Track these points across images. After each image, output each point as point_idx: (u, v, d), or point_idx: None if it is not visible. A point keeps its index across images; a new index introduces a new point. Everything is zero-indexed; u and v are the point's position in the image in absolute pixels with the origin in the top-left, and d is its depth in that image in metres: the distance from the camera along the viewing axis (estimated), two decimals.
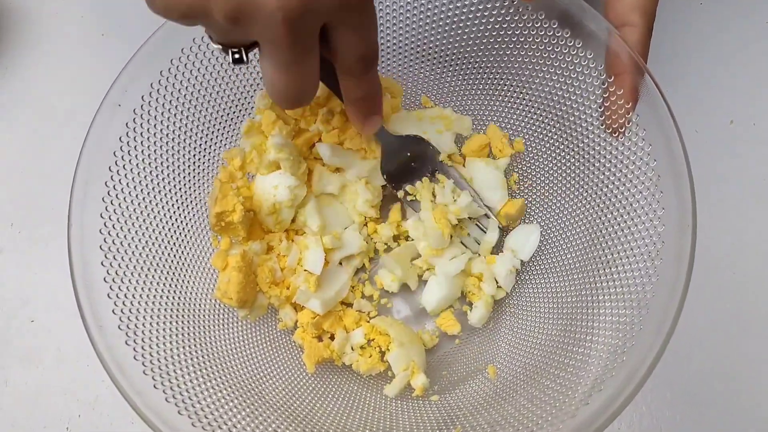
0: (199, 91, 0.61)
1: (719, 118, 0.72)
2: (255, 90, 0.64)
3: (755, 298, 0.66)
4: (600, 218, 0.58)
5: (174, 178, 0.60)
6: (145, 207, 0.58)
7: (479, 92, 0.67)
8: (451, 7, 0.61)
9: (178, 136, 0.60)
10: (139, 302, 0.54)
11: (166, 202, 0.60)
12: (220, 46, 0.44)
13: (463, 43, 0.63)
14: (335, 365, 0.64)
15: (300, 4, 0.38)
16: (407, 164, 0.66)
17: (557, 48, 0.58)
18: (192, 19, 0.40)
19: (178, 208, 0.61)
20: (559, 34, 0.57)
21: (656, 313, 0.48)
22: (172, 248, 0.59)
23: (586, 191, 0.60)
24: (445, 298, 0.64)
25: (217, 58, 0.60)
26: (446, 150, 0.67)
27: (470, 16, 0.61)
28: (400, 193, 0.66)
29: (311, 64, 0.44)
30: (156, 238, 0.58)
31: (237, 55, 0.44)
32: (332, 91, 0.55)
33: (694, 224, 0.49)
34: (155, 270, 0.57)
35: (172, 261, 0.59)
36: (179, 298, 0.58)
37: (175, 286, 0.58)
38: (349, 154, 0.66)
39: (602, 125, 0.57)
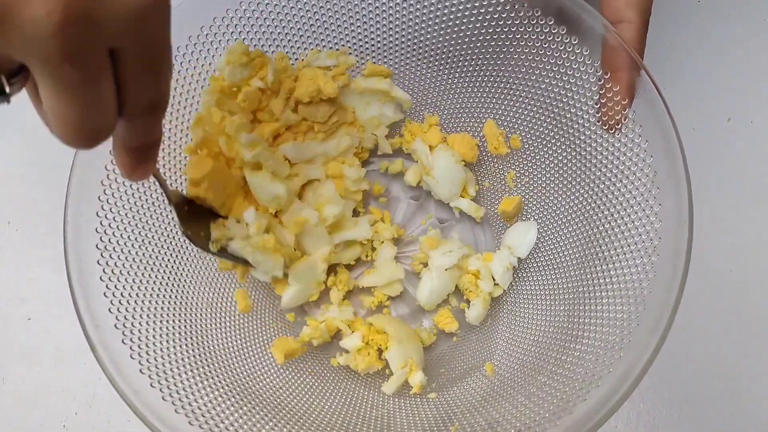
0: (195, 89, 0.61)
1: (717, 115, 0.72)
2: None
3: (753, 296, 0.66)
4: (596, 215, 0.58)
5: (171, 177, 0.60)
6: (142, 205, 0.58)
7: (475, 89, 0.67)
8: (446, 3, 0.61)
9: (175, 134, 0.60)
10: (135, 301, 0.54)
11: (163, 201, 0.59)
12: None
13: (458, 40, 0.63)
14: (331, 364, 0.64)
15: (80, 10, 0.29)
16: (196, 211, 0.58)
17: (553, 45, 0.58)
18: None
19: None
20: (555, 30, 0.57)
21: (653, 310, 0.48)
22: (168, 247, 0.59)
23: (583, 188, 0.60)
24: (438, 292, 0.64)
25: (213, 57, 0.60)
26: (390, 116, 0.68)
27: (466, 13, 0.61)
28: None
29: (103, 87, 0.34)
30: (152, 237, 0.58)
31: None
32: None
33: (690, 220, 0.49)
34: (151, 269, 0.57)
35: (168, 260, 0.59)
36: (176, 296, 0.58)
37: (172, 284, 0.58)
38: (310, 145, 0.65)
39: (599, 122, 0.57)
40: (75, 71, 0.31)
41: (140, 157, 0.43)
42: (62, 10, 0.29)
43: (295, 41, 0.64)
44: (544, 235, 0.64)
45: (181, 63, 0.59)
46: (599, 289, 0.55)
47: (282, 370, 0.61)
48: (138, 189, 0.57)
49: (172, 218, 0.57)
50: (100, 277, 0.52)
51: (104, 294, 0.52)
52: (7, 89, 0.33)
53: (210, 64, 0.60)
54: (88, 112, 0.34)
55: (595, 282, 0.56)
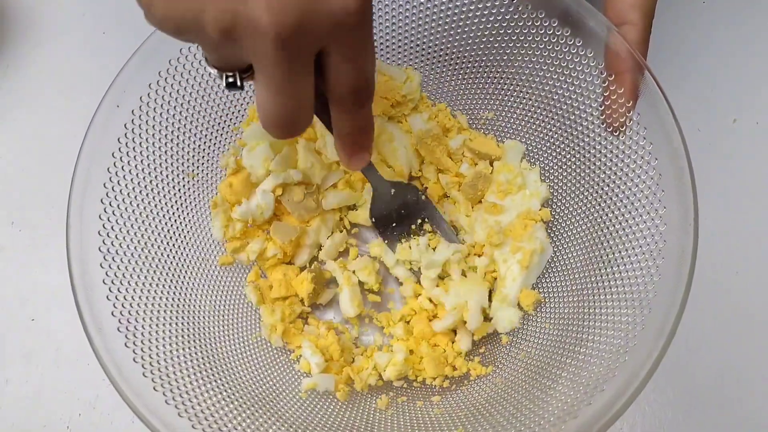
0: (197, 91, 0.61)
1: (722, 116, 0.72)
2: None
3: (759, 297, 0.66)
4: (601, 217, 0.58)
5: (173, 179, 0.60)
6: (144, 208, 0.58)
7: (478, 91, 0.67)
8: (450, 5, 0.61)
9: (177, 137, 0.60)
10: (138, 304, 0.54)
11: (165, 203, 0.59)
12: (216, 70, 0.42)
13: (462, 42, 0.63)
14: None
15: (294, 21, 0.36)
16: (396, 211, 0.65)
17: (557, 46, 0.57)
18: (185, 34, 0.39)
19: (178, 209, 0.61)
20: (559, 32, 0.57)
21: (658, 313, 0.48)
22: (171, 249, 0.59)
23: (587, 190, 0.59)
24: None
25: None
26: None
27: (469, 15, 0.61)
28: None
29: (304, 87, 0.41)
30: (155, 240, 0.58)
31: (231, 79, 0.42)
32: (325, 125, 0.52)
33: (696, 223, 0.48)
34: (154, 272, 0.57)
35: (171, 262, 0.59)
36: (178, 299, 0.58)
37: (175, 287, 0.58)
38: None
39: (603, 124, 0.56)
40: (285, 71, 0.38)
41: (356, 144, 0.49)
42: (278, 24, 0.36)
43: None
44: (548, 237, 0.64)
45: (184, 65, 0.59)
46: (604, 292, 0.55)
47: (285, 375, 0.61)
48: (140, 192, 0.57)
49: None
50: (103, 281, 0.52)
51: (107, 297, 0.52)
52: (239, 83, 0.42)
53: None
54: (290, 106, 0.41)
55: (599, 285, 0.56)
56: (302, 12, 0.36)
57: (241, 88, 0.42)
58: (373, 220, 0.65)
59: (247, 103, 0.65)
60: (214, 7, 0.36)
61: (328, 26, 0.38)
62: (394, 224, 0.65)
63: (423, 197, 0.65)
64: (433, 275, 0.63)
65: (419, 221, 0.66)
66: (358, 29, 0.39)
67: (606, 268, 0.56)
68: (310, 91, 0.41)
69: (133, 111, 0.57)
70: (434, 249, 0.64)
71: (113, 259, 0.54)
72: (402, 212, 0.65)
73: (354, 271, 0.66)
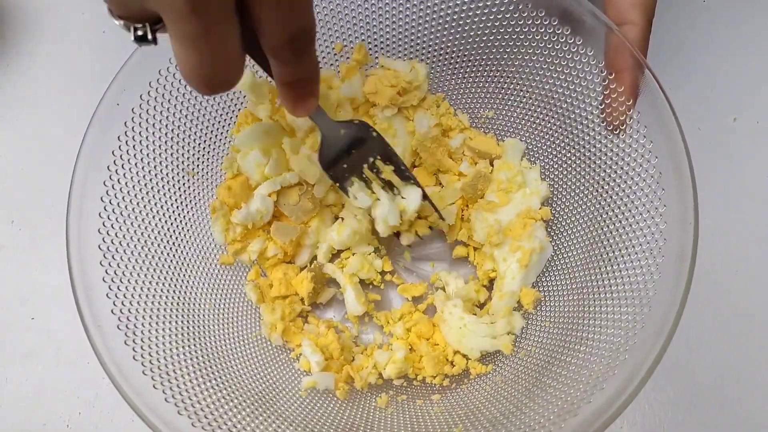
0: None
1: (723, 115, 0.72)
2: None
3: (759, 296, 0.66)
4: (601, 216, 0.58)
5: (173, 178, 0.60)
6: (144, 206, 0.58)
7: (479, 90, 0.67)
8: (450, 4, 0.61)
9: (177, 135, 0.60)
10: (138, 302, 0.54)
11: (165, 202, 0.59)
12: (122, 22, 0.37)
13: (462, 41, 0.63)
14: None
15: None
16: (348, 150, 0.59)
17: (557, 45, 0.57)
18: None
19: (177, 207, 0.61)
20: (560, 31, 0.57)
21: (658, 311, 0.48)
22: (170, 248, 0.59)
23: (587, 188, 0.59)
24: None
25: None
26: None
27: (470, 14, 0.61)
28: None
29: (225, 38, 0.35)
30: (155, 238, 0.58)
31: (140, 32, 0.37)
32: (261, 67, 0.47)
33: (696, 221, 0.48)
34: (154, 270, 0.57)
35: (170, 260, 0.59)
36: (178, 297, 0.58)
37: (174, 285, 0.58)
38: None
39: (603, 122, 0.56)
40: (199, 23, 0.33)
41: (300, 92, 0.45)
42: None
43: None
44: (548, 235, 0.64)
45: None
46: (604, 291, 0.55)
47: (285, 373, 0.61)
48: (140, 190, 0.57)
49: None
50: (103, 279, 0.52)
51: (106, 295, 0.52)
52: (149, 36, 0.37)
53: None
54: (211, 60, 0.35)
55: (599, 283, 0.56)
56: None
57: (154, 42, 0.37)
58: (324, 165, 0.59)
59: (247, 100, 0.65)
60: None
61: None
62: (345, 165, 0.60)
63: (374, 134, 0.59)
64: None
65: (371, 160, 0.60)
66: None
67: (606, 267, 0.56)
68: (233, 42, 0.36)
69: (133, 109, 0.56)
70: (399, 195, 0.61)
71: (113, 257, 0.54)
72: (353, 151, 0.59)
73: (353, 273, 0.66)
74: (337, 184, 0.60)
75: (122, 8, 0.36)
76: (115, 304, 0.52)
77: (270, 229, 0.65)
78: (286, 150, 0.63)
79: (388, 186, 0.60)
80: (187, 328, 0.57)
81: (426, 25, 0.63)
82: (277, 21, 0.36)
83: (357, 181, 0.60)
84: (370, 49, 0.66)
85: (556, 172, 0.63)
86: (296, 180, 0.64)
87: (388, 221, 0.60)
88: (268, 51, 0.39)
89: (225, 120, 0.64)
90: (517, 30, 0.59)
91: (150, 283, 0.56)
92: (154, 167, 0.59)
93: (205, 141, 0.63)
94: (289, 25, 0.37)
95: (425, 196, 0.61)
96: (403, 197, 0.61)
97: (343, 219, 0.66)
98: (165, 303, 0.56)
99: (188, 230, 0.62)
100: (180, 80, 0.59)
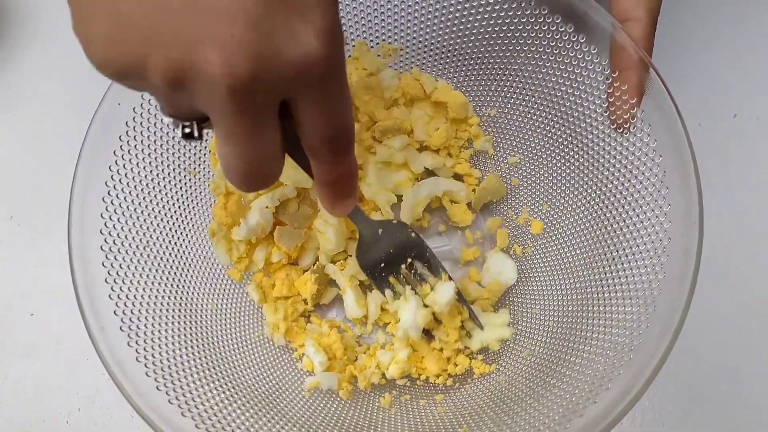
0: None
1: (723, 112, 0.72)
2: None
3: (759, 292, 0.66)
4: (605, 215, 0.57)
5: (175, 177, 0.60)
6: (146, 207, 0.57)
7: (480, 88, 0.66)
8: (452, 2, 0.60)
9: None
10: (140, 303, 0.54)
11: (167, 202, 0.59)
12: (171, 120, 0.38)
13: (464, 38, 0.63)
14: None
15: (250, 72, 0.32)
16: (385, 251, 0.60)
17: (561, 43, 0.57)
18: (129, 80, 0.34)
19: (180, 207, 0.60)
20: (563, 28, 0.56)
21: (663, 311, 0.48)
22: (173, 248, 0.59)
23: (591, 187, 0.59)
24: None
25: None
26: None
27: (472, 11, 0.61)
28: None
29: (268, 140, 0.37)
30: (157, 239, 0.58)
31: (187, 130, 0.37)
32: (302, 167, 0.48)
33: (700, 220, 0.48)
34: (157, 270, 0.57)
35: (173, 261, 0.59)
36: (181, 298, 0.58)
37: (177, 286, 0.58)
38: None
39: (607, 121, 0.56)
40: (243, 124, 0.35)
41: (338, 192, 0.47)
42: (232, 75, 0.32)
43: None
44: (551, 235, 0.64)
45: None
46: (608, 290, 0.55)
47: (288, 373, 0.61)
48: (142, 190, 0.57)
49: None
50: (105, 279, 0.52)
51: (109, 296, 0.52)
52: (196, 134, 0.37)
53: None
54: (252, 159, 0.37)
55: (604, 283, 0.56)
56: (259, 61, 0.32)
57: (200, 138, 0.38)
58: (362, 264, 0.60)
59: None
60: (162, 53, 0.32)
61: (290, 76, 0.34)
62: (382, 264, 0.60)
63: (413, 234, 0.60)
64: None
65: (409, 260, 0.60)
66: (327, 78, 0.36)
67: (610, 266, 0.55)
68: (274, 144, 0.38)
69: (134, 109, 0.56)
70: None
71: (115, 258, 0.53)
72: (391, 251, 0.60)
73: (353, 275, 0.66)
74: (374, 283, 0.61)
75: (172, 107, 0.37)
76: (117, 306, 0.52)
77: (273, 236, 0.64)
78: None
79: (420, 281, 0.61)
80: (190, 328, 0.57)
81: (427, 22, 0.63)
82: (317, 121, 0.38)
83: (395, 284, 0.61)
84: (371, 48, 0.66)
85: (559, 171, 0.63)
86: (294, 193, 0.64)
87: (409, 333, 0.60)
88: (308, 150, 0.41)
89: None
90: (520, 27, 0.59)
91: (152, 283, 0.56)
92: (156, 167, 0.58)
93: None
94: (328, 125, 0.39)
95: (460, 296, 0.60)
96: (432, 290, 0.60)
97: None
98: (168, 304, 0.56)
99: (190, 230, 0.61)
100: None
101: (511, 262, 0.65)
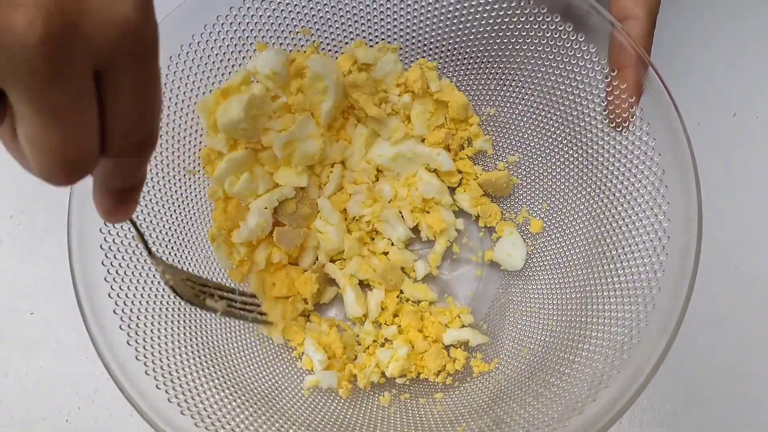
0: (198, 88, 0.60)
1: (722, 111, 0.72)
2: None
3: (759, 292, 0.66)
4: (604, 213, 0.57)
5: (175, 176, 0.60)
6: (146, 205, 0.57)
7: (479, 87, 0.66)
8: (451, 1, 0.60)
9: (178, 134, 0.60)
10: (140, 302, 0.54)
11: (167, 201, 0.59)
12: None
13: (463, 38, 0.63)
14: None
15: (61, 27, 0.27)
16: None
17: (560, 42, 0.57)
18: None
19: (179, 206, 0.60)
20: (562, 27, 0.56)
21: (662, 309, 0.48)
22: (172, 246, 0.59)
23: (590, 186, 0.59)
24: None
25: (216, 55, 0.60)
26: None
27: (471, 10, 0.61)
28: None
29: (89, 111, 0.31)
30: (156, 237, 0.57)
31: None
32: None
33: (699, 218, 0.48)
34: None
35: (172, 260, 0.58)
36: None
37: None
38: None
39: (606, 119, 0.56)
40: (59, 93, 0.29)
41: (121, 199, 0.39)
42: (44, 20, 0.27)
43: (299, 39, 0.63)
44: (550, 233, 0.64)
45: (185, 62, 0.58)
46: (607, 289, 0.55)
47: (287, 372, 0.61)
48: (143, 190, 0.57)
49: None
50: (105, 278, 0.52)
51: (108, 295, 0.52)
52: None
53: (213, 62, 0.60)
54: (70, 139, 0.31)
55: (603, 281, 0.56)
56: (69, 16, 0.27)
57: None
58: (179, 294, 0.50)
59: None
60: None
61: (107, 30, 0.29)
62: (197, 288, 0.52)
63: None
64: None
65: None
66: (143, 51, 0.31)
67: (609, 265, 0.56)
68: (94, 116, 0.31)
69: None
70: None
71: (114, 257, 0.53)
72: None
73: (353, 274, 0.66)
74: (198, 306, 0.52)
75: None
76: (117, 305, 0.52)
77: (273, 237, 0.64)
78: (267, 169, 0.63)
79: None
80: (190, 327, 0.57)
81: (427, 21, 0.63)
82: (132, 118, 0.33)
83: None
84: (371, 47, 0.66)
85: (558, 169, 0.63)
86: (293, 194, 0.64)
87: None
88: (113, 149, 0.34)
89: None
90: (519, 26, 0.59)
91: (152, 282, 0.55)
92: (156, 165, 0.58)
93: (204, 141, 0.63)
94: (142, 125, 0.34)
95: None
96: None
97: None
98: (167, 302, 0.56)
99: (189, 229, 0.61)
100: (180, 79, 0.58)
101: (523, 250, 0.66)
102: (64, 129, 0.30)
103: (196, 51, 0.59)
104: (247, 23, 0.60)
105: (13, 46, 0.27)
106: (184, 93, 0.60)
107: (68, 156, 0.31)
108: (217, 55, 0.60)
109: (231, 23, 0.59)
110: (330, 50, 0.65)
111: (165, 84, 0.58)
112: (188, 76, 0.59)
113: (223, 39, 0.60)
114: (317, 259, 0.67)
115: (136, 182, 0.39)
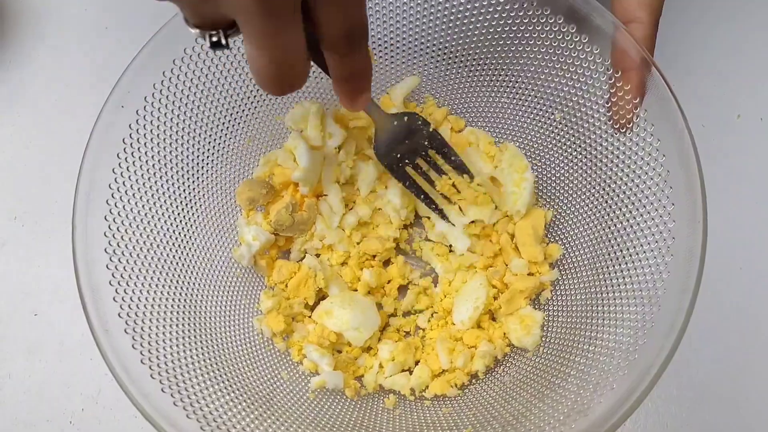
0: (202, 91, 0.60)
1: (726, 112, 0.72)
2: (258, 89, 0.63)
3: (762, 293, 0.66)
4: (609, 215, 0.57)
5: (178, 180, 0.60)
6: (150, 209, 0.57)
7: (484, 89, 0.66)
8: (455, 3, 0.61)
9: (182, 137, 0.60)
10: (145, 305, 0.54)
11: (171, 204, 0.59)
12: (198, 30, 0.40)
13: (467, 40, 0.63)
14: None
15: None
16: (401, 141, 0.61)
17: (563, 43, 0.57)
18: None
19: (183, 209, 0.60)
20: (565, 29, 0.56)
21: (668, 311, 0.48)
22: (177, 250, 0.59)
23: (595, 187, 0.59)
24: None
25: (219, 58, 0.60)
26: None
27: (474, 12, 0.61)
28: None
29: (293, 38, 0.39)
30: (161, 241, 0.58)
31: (215, 38, 0.39)
32: (320, 67, 0.50)
33: (704, 219, 0.48)
34: (161, 272, 0.56)
35: (177, 263, 0.58)
36: (185, 300, 0.58)
37: (181, 288, 0.58)
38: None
39: (609, 121, 0.56)
40: (269, 23, 0.36)
41: (355, 87, 0.49)
42: None
43: None
44: (556, 235, 0.64)
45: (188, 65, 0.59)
46: (613, 290, 0.55)
47: (293, 375, 0.61)
48: (146, 192, 0.57)
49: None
50: (109, 282, 0.52)
51: (113, 298, 0.52)
52: (223, 41, 0.39)
53: None
54: (281, 59, 0.39)
55: (608, 283, 0.56)
56: None
57: (227, 46, 0.40)
58: (380, 156, 0.62)
59: (252, 102, 0.64)
60: None
61: None
62: (399, 156, 0.62)
63: (426, 124, 0.61)
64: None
65: (424, 152, 0.62)
66: None
67: (615, 266, 0.56)
68: (300, 41, 0.39)
69: (137, 111, 0.56)
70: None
71: (119, 260, 0.53)
72: (407, 143, 0.62)
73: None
74: (393, 175, 0.63)
75: (198, 17, 0.39)
76: (122, 308, 0.52)
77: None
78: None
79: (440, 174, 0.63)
80: (195, 331, 0.57)
81: (429, 24, 0.63)
82: (335, 17, 0.40)
83: (414, 176, 0.63)
84: (373, 49, 0.66)
85: (563, 172, 0.63)
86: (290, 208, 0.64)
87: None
88: (325, 46, 0.43)
89: (228, 120, 0.64)
90: (522, 28, 0.59)
91: (157, 286, 0.55)
92: (159, 169, 0.58)
93: (210, 142, 0.63)
94: (344, 20, 0.40)
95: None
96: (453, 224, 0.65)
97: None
98: (172, 306, 0.56)
99: (195, 232, 0.61)
100: (184, 82, 0.58)
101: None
102: (272, 54, 0.39)
103: (199, 54, 0.59)
104: None
105: None
106: (188, 96, 0.60)
107: (274, 73, 0.40)
108: (220, 57, 0.60)
109: None
110: None
111: (170, 87, 0.58)
112: (191, 80, 0.59)
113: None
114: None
115: (361, 68, 0.47)
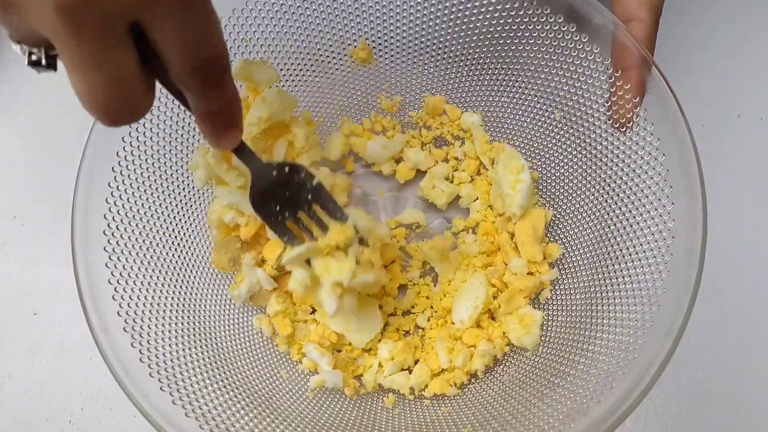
0: None
1: (726, 112, 0.72)
2: None
3: (762, 293, 0.66)
4: (609, 214, 0.57)
5: (178, 179, 0.60)
6: (149, 208, 0.57)
7: (483, 88, 0.66)
8: (455, 2, 0.61)
9: (182, 136, 0.60)
10: (144, 304, 0.54)
11: (170, 203, 0.59)
12: (18, 46, 0.34)
13: (467, 39, 0.63)
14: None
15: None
16: (281, 194, 0.54)
17: (563, 42, 0.57)
18: None
19: (182, 208, 0.60)
20: (565, 28, 0.56)
21: (667, 310, 0.48)
22: (176, 249, 0.59)
23: (594, 187, 0.59)
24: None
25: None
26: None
27: (474, 11, 0.61)
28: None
29: (118, 65, 0.32)
30: (160, 239, 0.58)
31: (34, 57, 0.34)
32: (176, 98, 0.41)
33: (704, 219, 0.48)
34: (160, 271, 0.57)
35: (176, 262, 0.59)
36: (184, 299, 0.58)
37: (180, 287, 0.58)
38: None
39: (609, 120, 0.56)
40: (83, 49, 0.30)
41: (219, 123, 0.41)
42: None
43: (301, 40, 0.63)
44: (555, 234, 0.64)
45: None
46: (612, 289, 0.55)
47: (292, 373, 0.61)
48: (145, 191, 0.57)
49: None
50: (108, 280, 0.52)
51: (112, 297, 0.52)
52: (43, 61, 0.34)
53: None
54: (104, 88, 0.32)
55: (608, 282, 0.56)
56: None
57: (51, 68, 0.34)
58: (255, 207, 0.53)
59: None
60: None
61: None
62: (278, 208, 0.54)
63: (309, 176, 0.54)
64: None
65: (306, 206, 0.54)
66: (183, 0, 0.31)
67: (614, 266, 0.55)
68: (129, 65, 0.32)
69: None
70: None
71: (118, 259, 0.53)
72: (287, 194, 0.54)
73: None
74: (272, 228, 0.55)
75: (15, 32, 0.33)
76: (121, 306, 0.52)
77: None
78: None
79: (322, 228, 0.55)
80: (194, 330, 0.57)
81: (429, 23, 0.63)
82: (180, 48, 0.33)
83: (293, 230, 0.55)
84: (373, 48, 0.66)
85: (563, 171, 0.63)
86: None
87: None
88: (176, 81, 0.35)
89: None
90: (522, 27, 0.59)
91: (156, 284, 0.56)
92: (159, 168, 0.58)
93: None
94: (194, 52, 0.33)
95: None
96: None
97: None
98: (171, 305, 0.56)
99: (194, 232, 0.61)
100: None
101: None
102: (92, 80, 0.32)
103: None
104: (250, 24, 0.60)
105: (36, 8, 0.29)
106: None
107: (101, 102, 0.33)
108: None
109: (234, 24, 0.60)
110: (334, 52, 0.65)
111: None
112: None
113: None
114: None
115: (223, 103, 0.39)
